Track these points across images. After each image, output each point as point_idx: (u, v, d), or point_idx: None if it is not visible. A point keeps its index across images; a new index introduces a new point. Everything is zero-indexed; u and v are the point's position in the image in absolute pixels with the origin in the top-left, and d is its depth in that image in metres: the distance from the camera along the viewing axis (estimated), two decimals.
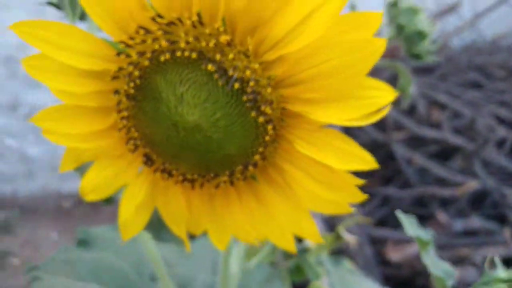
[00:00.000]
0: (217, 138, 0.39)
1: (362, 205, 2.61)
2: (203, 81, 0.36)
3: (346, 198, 0.38)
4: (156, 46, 0.36)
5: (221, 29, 0.34)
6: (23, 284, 1.99)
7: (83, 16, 0.57)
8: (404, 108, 0.71)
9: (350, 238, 1.13)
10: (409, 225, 0.51)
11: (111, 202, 0.47)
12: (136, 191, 0.44)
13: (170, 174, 0.42)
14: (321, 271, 0.83)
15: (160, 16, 0.35)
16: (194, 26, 0.35)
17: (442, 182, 2.10)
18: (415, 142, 2.17)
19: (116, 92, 0.39)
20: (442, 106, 2.27)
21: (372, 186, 2.55)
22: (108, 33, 0.37)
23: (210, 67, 0.35)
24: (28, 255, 2.16)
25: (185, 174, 0.42)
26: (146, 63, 0.36)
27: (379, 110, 0.34)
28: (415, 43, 0.66)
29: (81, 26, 0.63)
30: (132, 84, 0.38)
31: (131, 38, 0.36)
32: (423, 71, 2.40)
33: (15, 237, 2.24)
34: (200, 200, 0.45)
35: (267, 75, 0.36)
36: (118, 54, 0.37)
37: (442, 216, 2.15)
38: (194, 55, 0.35)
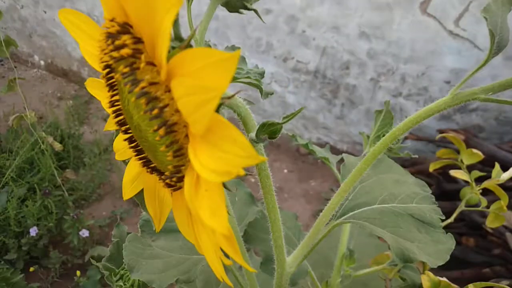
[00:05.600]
0: (152, 142, 0.36)
1: None
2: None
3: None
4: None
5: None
6: None
7: None
8: None
9: None
10: None
11: None
12: (133, 165, 0.46)
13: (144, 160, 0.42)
14: None
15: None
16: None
17: None
18: None
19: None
20: None
21: None
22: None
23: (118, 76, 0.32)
24: None
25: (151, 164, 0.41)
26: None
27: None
28: None
29: None
30: (106, 75, 0.38)
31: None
32: None
33: None
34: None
35: (170, 96, 0.31)
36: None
37: None
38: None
